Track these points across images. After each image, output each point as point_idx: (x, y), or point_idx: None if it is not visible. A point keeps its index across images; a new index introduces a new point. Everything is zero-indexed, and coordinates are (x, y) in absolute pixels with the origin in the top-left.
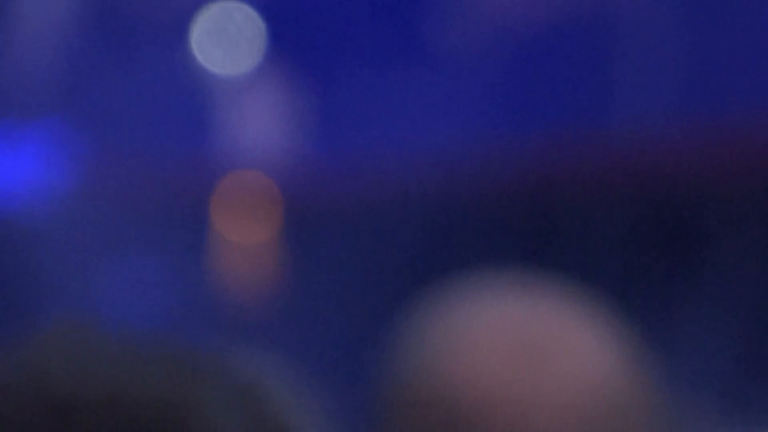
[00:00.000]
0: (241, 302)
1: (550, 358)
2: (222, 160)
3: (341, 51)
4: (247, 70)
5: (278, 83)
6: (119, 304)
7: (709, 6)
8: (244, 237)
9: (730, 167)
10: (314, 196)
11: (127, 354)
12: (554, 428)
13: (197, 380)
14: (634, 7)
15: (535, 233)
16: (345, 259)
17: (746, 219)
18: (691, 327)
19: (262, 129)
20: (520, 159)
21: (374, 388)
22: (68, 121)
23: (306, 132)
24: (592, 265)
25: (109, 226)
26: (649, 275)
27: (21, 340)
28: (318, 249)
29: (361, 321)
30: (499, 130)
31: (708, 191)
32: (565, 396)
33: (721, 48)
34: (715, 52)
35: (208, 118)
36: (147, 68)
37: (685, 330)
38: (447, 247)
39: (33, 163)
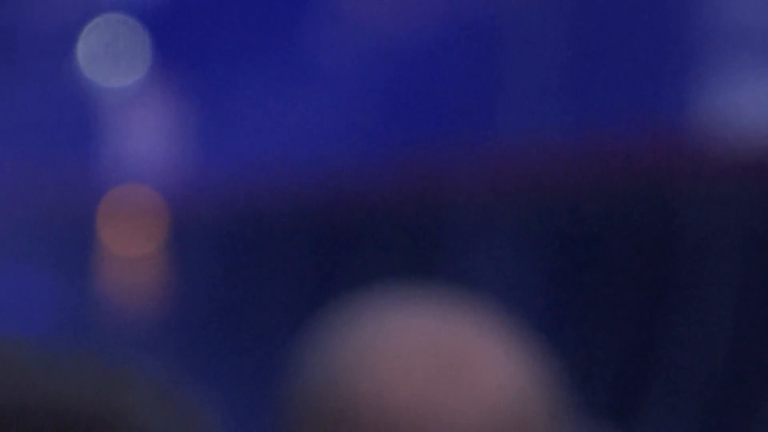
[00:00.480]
0: (128, 313)
1: (459, 372)
2: (107, 171)
3: (224, 63)
4: (131, 82)
5: (162, 95)
6: (3, 313)
7: (594, 15)
8: (130, 249)
9: (615, 172)
10: (199, 207)
11: (50, 364)
12: None
13: (121, 388)
14: (514, 16)
15: (428, 243)
16: (231, 269)
17: (631, 222)
18: (590, 335)
19: (147, 141)
20: (411, 166)
21: (278, 404)
22: None
23: (190, 143)
24: (485, 275)
25: None
26: (549, 284)
27: None
28: (203, 260)
29: (252, 333)
30: (385, 138)
31: (597, 196)
32: (475, 411)
33: (606, 57)
34: (599, 61)
35: (94, 130)
36: (33, 80)
37: (585, 338)
38: (337, 258)
39: None
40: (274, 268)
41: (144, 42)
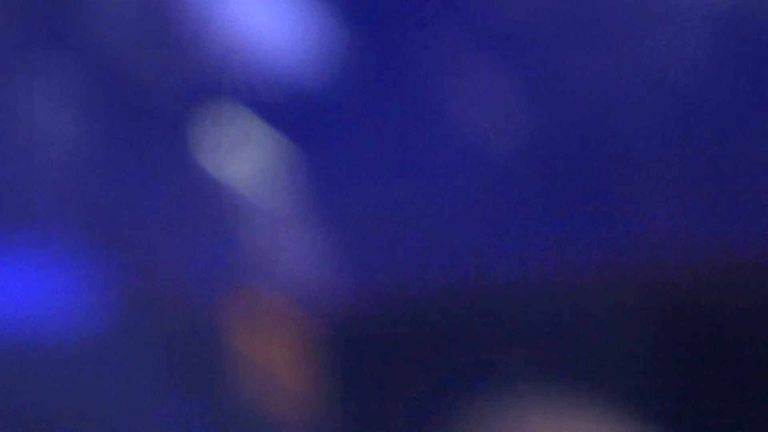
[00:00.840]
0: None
1: None
2: (232, 273)
3: (352, 159)
4: (254, 177)
5: (288, 192)
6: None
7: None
8: (265, 357)
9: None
10: (334, 314)
11: None
12: None
13: None
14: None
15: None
16: (375, 382)
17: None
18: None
19: (274, 243)
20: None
21: None
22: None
23: (319, 244)
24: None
25: (127, 345)
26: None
27: None
28: (351, 370)
29: None
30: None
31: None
32: None
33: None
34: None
35: (215, 230)
36: (152, 173)
37: None
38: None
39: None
40: (413, 377)
41: (266, 133)
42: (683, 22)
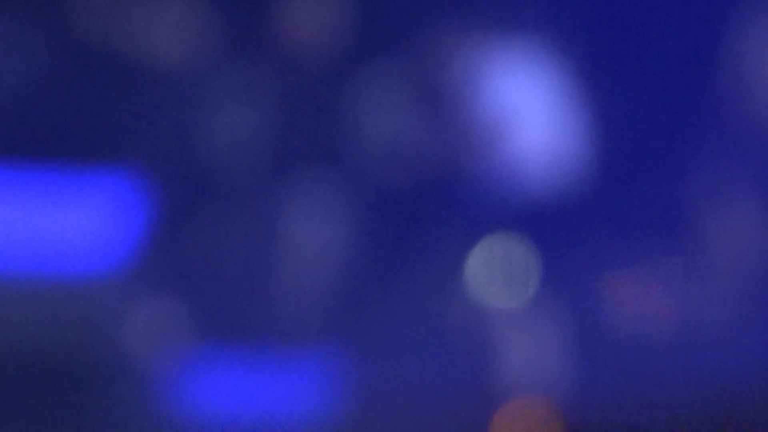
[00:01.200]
0: None
1: None
2: (499, 387)
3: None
4: (520, 303)
5: (551, 315)
6: None
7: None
8: None
9: None
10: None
11: None
12: None
13: None
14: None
15: None
16: None
17: None
18: None
19: (538, 358)
20: None
21: None
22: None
23: (582, 356)
24: None
25: None
26: None
27: None
28: None
29: None
30: None
31: None
32: None
33: None
34: None
35: (485, 348)
36: (425, 306)
37: None
38: None
39: None
40: None
41: (532, 263)
42: None
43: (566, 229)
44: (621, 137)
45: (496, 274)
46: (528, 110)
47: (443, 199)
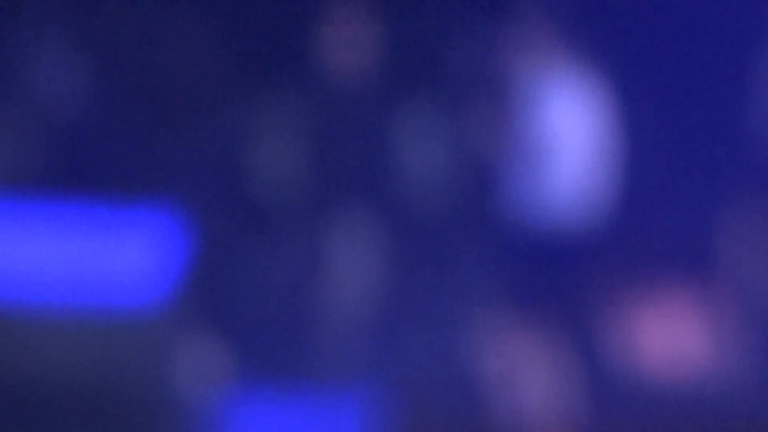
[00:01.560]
0: None
1: None
2: (534, 420)
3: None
4: (548, 336)
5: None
6: None
7: None
8: None
9: None
10: None
11: None
12: None
13: None
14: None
15: None
16: None
17: None
18: None
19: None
20: None
21: None
22: None
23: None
24: None
25: None
26: None
27: None
28: None
29: None
30: None
31: None
32: None
33: None
34: None
35: (517, 380)
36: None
37: None
38: None
39: None
40: None
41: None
42: None
43: (598, 263)
44: (656, 172)
45: (527, 308)
46: (568, 141)
47: (485, 231)
